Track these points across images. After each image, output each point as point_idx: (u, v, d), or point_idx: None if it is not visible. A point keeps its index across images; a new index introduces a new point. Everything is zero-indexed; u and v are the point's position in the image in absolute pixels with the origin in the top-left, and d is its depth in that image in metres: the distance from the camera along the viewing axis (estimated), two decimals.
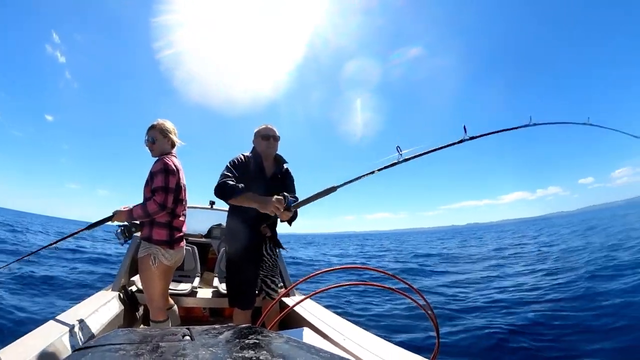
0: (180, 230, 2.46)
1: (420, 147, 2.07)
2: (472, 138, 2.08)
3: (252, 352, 0.60)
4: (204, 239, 4.53)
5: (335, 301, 6.46)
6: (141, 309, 3.19)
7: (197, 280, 3.50)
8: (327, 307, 2.80)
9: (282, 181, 2.59)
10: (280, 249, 2.80)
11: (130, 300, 2.99)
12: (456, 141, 2.08)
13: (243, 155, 2.47)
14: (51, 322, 2.01)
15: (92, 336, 2.13)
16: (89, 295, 2.78)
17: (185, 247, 2.60)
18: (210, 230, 4.65)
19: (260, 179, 2.45)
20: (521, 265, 10.35)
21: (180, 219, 2.45)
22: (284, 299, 3.08)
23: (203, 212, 4.54)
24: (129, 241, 2.48)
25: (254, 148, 2.57)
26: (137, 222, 2.39)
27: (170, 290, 2.99)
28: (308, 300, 2.87)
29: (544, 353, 3.67)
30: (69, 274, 7.82)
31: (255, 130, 2.57)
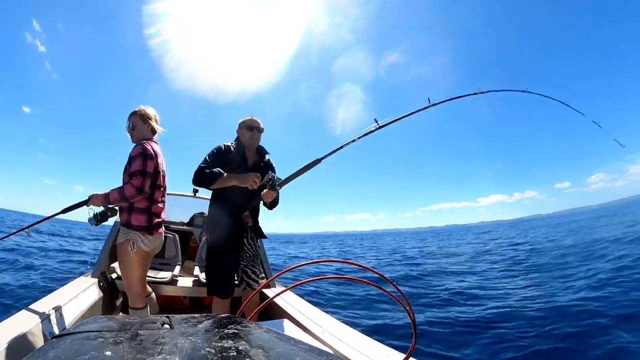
0: (159, 216, 2.44)
1: (392, 117, 2.46)
2: (433, 105, 2.54)
3: (231, 342, 0.60)
4: (185, 227, 4.48)
5: (316, 294, 6.52)
6: (120, 297, 3.14)
7: (177, 269, 3.47)
8: (307, 299, 2.82)
9: (264, 170, 2.62)
10: (262, 240, 2.82)
11: (109, 287, 2.94)
12: (421, 108, 2.52)
13: (225, 144, 2.53)
14: (28, 308, 1.96)
15: (71, 323, 2.09)
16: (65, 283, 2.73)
17: (166, 234, 2.57)
18: (192, 219, 4.60)
19: (242, 168, 2.50)
20: (495, 264, 10.66)
21: (159, 205, 2.43)
22: (264, 290, 3.09)
23: (186, 199, 4.48)
24: (104, 225, 2.44)
25: (237, 138, 2.62)
26: (114, 206, 2.37)
27: (150, 278, 2.95)
28: (288, 292, 2.89)
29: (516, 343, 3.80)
30: None
31: (240, 121, 2.62)
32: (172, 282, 3.20)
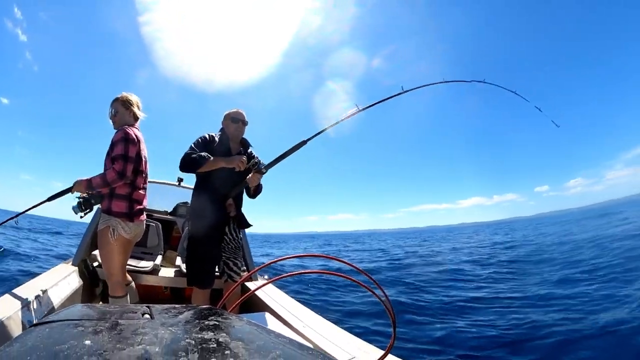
0: (141, 203, 2.43)
1: (371, 102, 2.72)
2: (405, 92, 2.79)
3: (212, 333, 0.60)
4: (169, 217, 4.43)
5: (297, 288, 6.55)
6: (101, 285, 3.09)
7: (159, 259, 3.42)
8: (288, 293, 2.83)
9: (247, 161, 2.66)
10: (244, 231, 2.83)
11: (90, 275, 2.88)
12: (395, 94, 2.76)
13: (210, 134, 2.56)
14: (6, 296, 1.90)
15: (51, 311, 2.04)
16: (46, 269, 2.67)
17: (149, 223, 2.54)
18: (176, 208, 4.54)
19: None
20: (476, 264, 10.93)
21: (141, 191, 2.42)
22: (246, 282, 3.09)
23: (170, 188, 4.42)
24: (89, 212, 2.40)
25: (222, 129, 2.65)
26: (98, 193, 2.33)
27: (131, 267, 2.90)
28: (270, 285, 2.89)
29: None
30: None
31: (226, 112, 2.65)
32: (154, 271, 3.16)
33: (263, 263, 1.40)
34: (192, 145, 2.44)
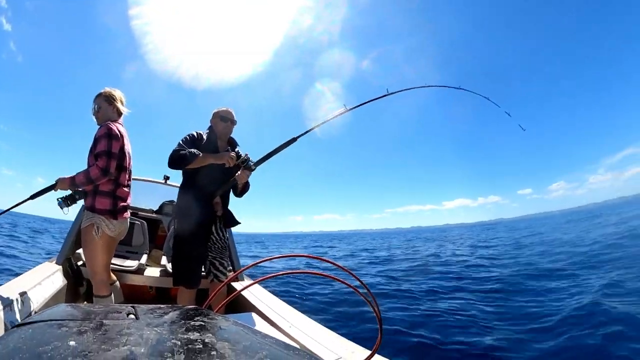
0: (125, 200, 2.40)
1: (359, 102, 2.80)
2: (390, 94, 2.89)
3: (198, 334, 0.60)
4: (154, 215, 4.36)
5: (283, 288, 6.53)
6: (85, 285, 3.02)
7: (144, 258, 3.37)
8: (274, 293, 2.83)
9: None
10: (230, 230, 2.81)
11: (74, 274, 2.82)
12: (381, 95, 2.85)
13: (198, 132, 2.55)
14: None
15: (33, 311, 1.99)
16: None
17: (134, 221, 2.51)
18: (161, 207, 4.47)
19: None
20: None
21: (125, 188, 2.39)
22: (232, 283, 3.07)
23: (156, 187, 4.34)
24: (74, 206, 2.36)
25: (210, 127, 2.64)
26: (81, 190, 2.30)
27: (116, 266, 2.86)
28: (256, 285, 2.88)
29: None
30: None
31: (216, 110, 2.64)
32: (139, 271, 3.11)
33: (248, 263, 1.40)
34: (181, 142, 2.42)
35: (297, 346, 1.77)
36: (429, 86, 3.51)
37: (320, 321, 2.23)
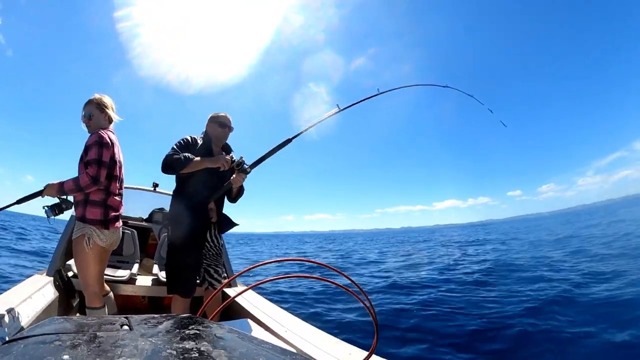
0: (116, 210, 2.35)
1: (350, 102, 2.83)
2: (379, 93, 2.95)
3: (193, 343, 0.60)
4: (144, 223, 4.30)
5: (277, 292, 6.49)
6: (77, 296, 2.96)
7: (136, 267, 3.32)
8: (268, 298, 2.82)
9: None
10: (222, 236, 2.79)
11: (65, 286, 2.76)
12: (372, 95, 2.91)
13: (192, 136, 2.52)
14: None
15: (25, 326, 1.93)
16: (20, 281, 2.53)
17: (124, 230, 2.47)
18: (151, 215, 4.41)
19: None
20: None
21: (116, 197, 2.35)
22: (225, 289, 3.04)
23: (145, 194, 4.29)
24: (58, 217, 2.31)
25: (205, 132, 2.60)
26: (70, 198, 2.25)
27: (107, 277, 2.81)
28: (250, 291, 2.87)
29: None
30: None
31: (213, 115, 2.60)
32: (131, 280, 3.06)
33: (239, 270, 1.39)
34: (175, 147, 2.39)
35: (294, 350, 1.77)
36: (417, 85, 3.58)
37: (316, 324, 2.22)
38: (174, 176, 2.51)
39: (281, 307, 2.58)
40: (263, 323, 2.19)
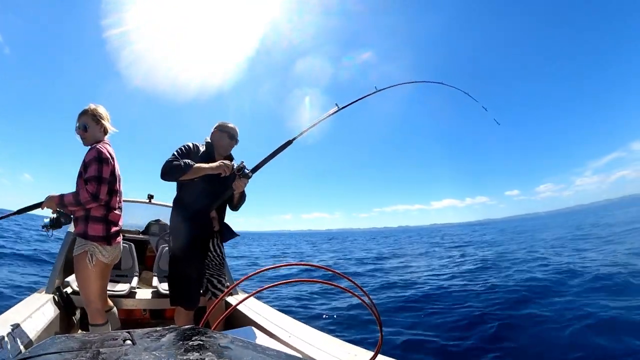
0: (117, 225, 2.32)
1: (349, 100, 2.80)
2: (376, 92, 2.96)
3: (197, 354, 0.59)
4: (141, 236, 4.26)
5: (279, 299, 6.47)
6: (78, 313, 2.91)
7: (135, 280, 3.29)
8: (270, 304, 2.80)
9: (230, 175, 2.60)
10: (225, 243, 2.76)
11: (65, 304, 2.72)
12: (370, 93, 2.91)
13: (194, 143, 2.47)
14: None
15: (27, 346, 1.90)
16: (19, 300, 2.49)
17: (122, 244, 2.44)
18: (148, 226, 4.38)
19: None
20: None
21: (116, 212, 2.31)
22: (227, 298, 3.02)
23: (141, 206, 4.25)
24: (55, 231, 2.27)
25: (211, 139, 2.54)
26: (68, 212, 2.22)
27: (107, 291, 2.78)
28: (251, 298, 2.85)
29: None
30: None
31: (222, 123, 2.53)
32: (131, 294, 3.03)
33: (239, 277, 1.38)
34: (175, 153, 2.32)
35: (299, 355, 1.76)
36: (414, 82, 3.60)
37: (320, 328, 2.22)
38: (170, 187, 2.47)
39: (283, 312, 2.57)
40: (266, 330, 2.18)
